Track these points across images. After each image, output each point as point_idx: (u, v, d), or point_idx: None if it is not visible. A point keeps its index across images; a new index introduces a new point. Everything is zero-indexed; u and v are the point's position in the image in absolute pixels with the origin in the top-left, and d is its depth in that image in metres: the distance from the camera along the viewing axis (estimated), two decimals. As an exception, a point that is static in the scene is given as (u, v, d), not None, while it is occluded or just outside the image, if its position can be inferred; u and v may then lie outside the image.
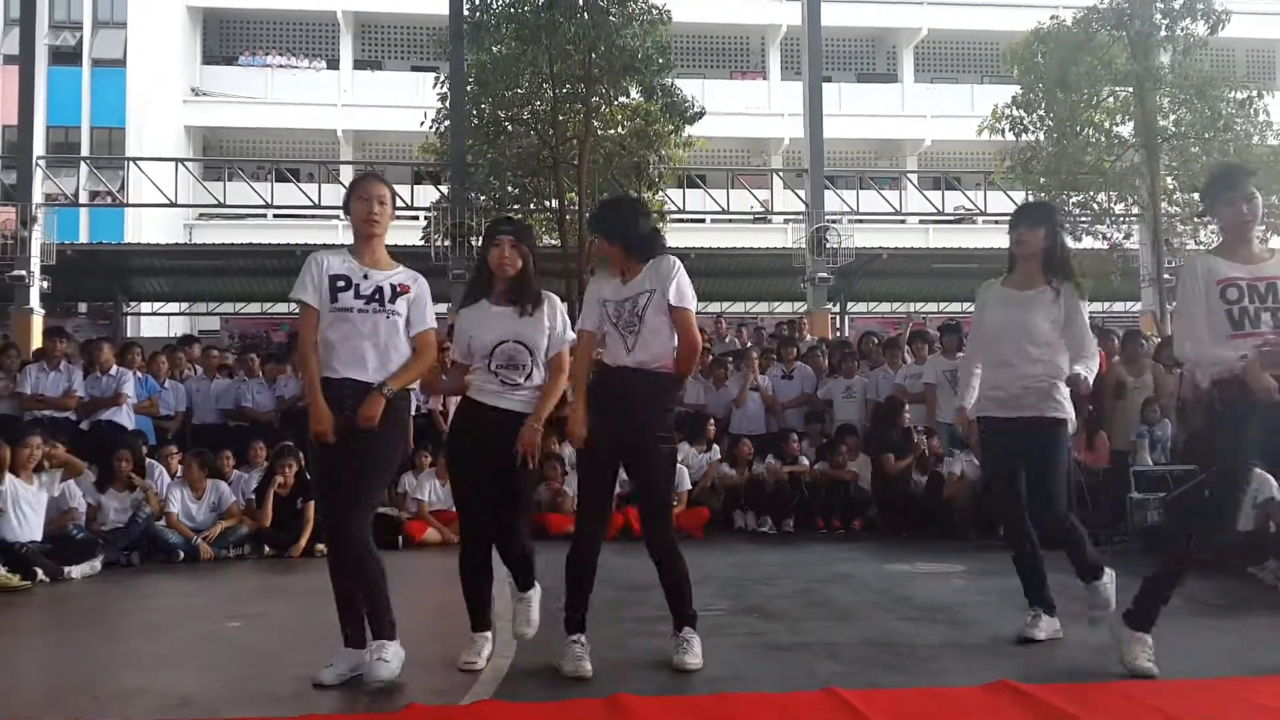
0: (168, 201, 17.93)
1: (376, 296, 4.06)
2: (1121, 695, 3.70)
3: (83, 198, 20.83)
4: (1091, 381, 4.45)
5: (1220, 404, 4.11)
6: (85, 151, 25.57)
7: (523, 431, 4.16)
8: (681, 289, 4.21)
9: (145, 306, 22.18)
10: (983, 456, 4.98)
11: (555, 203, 15.50)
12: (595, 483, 4.29)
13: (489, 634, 4.33)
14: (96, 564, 7.15)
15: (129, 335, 19.15)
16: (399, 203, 17.76)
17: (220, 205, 19.37)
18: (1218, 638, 4.67)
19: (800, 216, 18.11)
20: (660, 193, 16.77)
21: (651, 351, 4.17)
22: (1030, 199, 16.98)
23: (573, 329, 4.37)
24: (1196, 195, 15.07)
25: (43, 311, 16.03)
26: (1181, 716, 3.43)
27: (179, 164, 18.53)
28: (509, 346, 4.19)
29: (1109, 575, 4.55)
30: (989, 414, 4.64)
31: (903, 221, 24.00)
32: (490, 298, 4.27)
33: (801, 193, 18.17)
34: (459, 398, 4.40)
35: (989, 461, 4.84)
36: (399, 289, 4.10)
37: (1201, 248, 15.53)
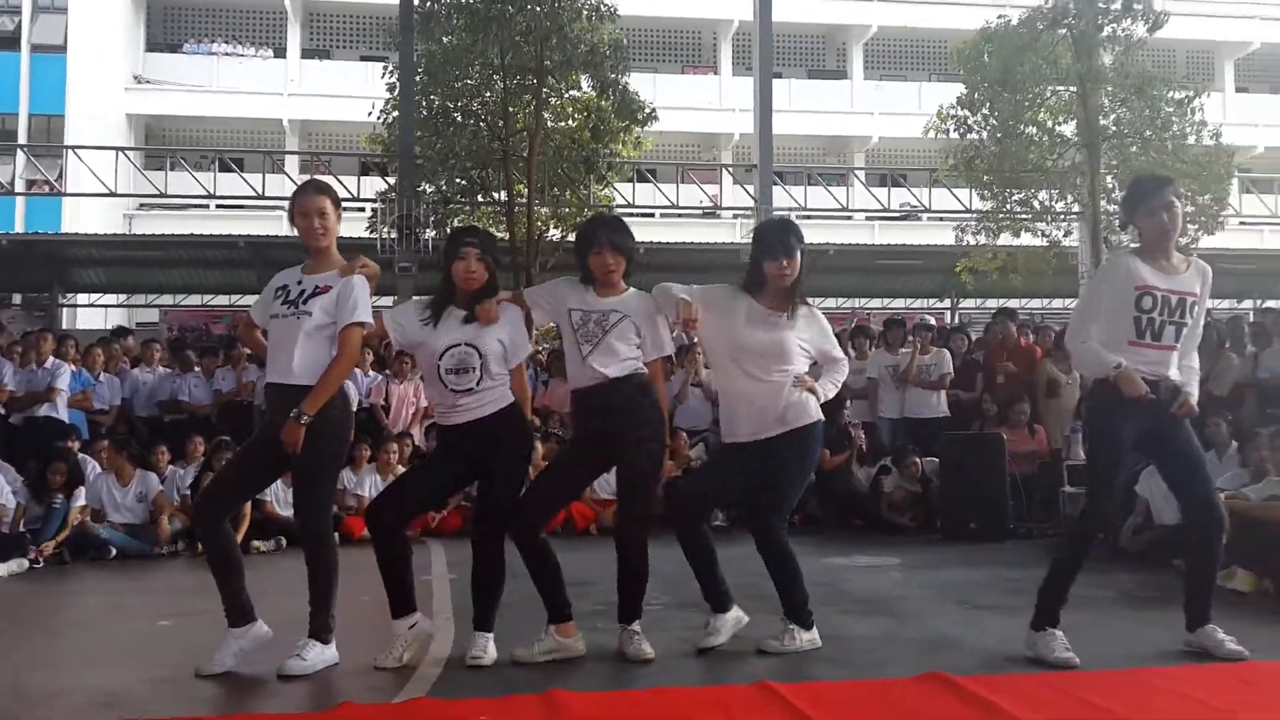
0: (107, 191, 17.56)
1: (297, 299, 4.14)
2: (1050, 686, 3.78)
3: (19, 186, 20.27)
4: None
5: (1096, 403, 4.30)
6: (23, 139, 24.94)
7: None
8: (666, 338, 4.42)
9: (82, 298, 21.71)
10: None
11: (504, 195, 15.43)
12: (566, 485, 4.47)
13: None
14: (24, 561, 7.02)
15: (65, 327, 18.76)
16: (347, 194, 17.39)
17: (161, 195, 18.98)
18: (1142, 629, 4.77)
19: (749, 212, 18.18)
20: (610, 187, 16.76)
21: (605, 362, 4.24)
22: (974, 197, 17.28)
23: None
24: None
25: (-22, 302, 15.66)
26: (1107, 705, 3.51)
27: (119, 153, 18.17)
28: (460, 351, 4.16)
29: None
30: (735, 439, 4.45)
31: (849, 218, 24.15)
32: (456, 306, 4.25)
33: (751, 188, 18.23)
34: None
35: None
36: (319, 289, 4.14)
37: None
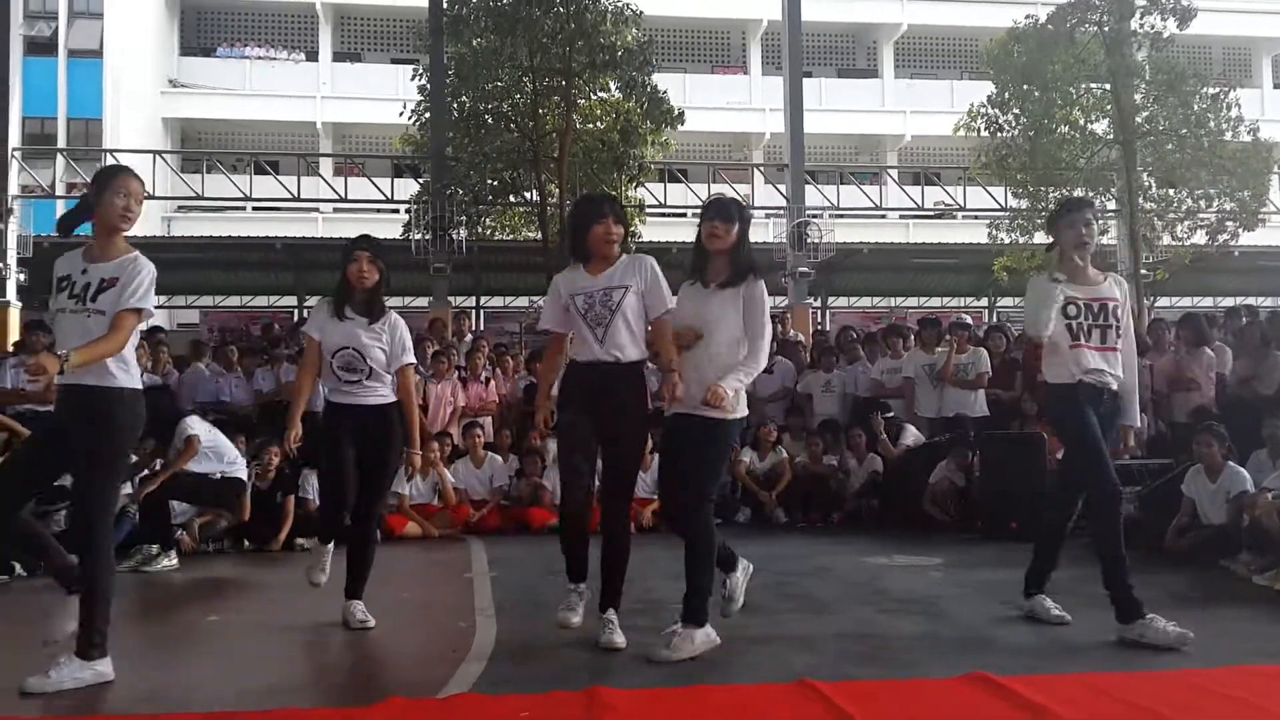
0: (146, 194, 17.77)
1: (82, 294, 3.91)
2: (1091, 687, 3.74)
3: (59, 190, 20.57)
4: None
5: (1063, 399, 4.70)
6: (62, 143, 25.31)
7: (411, 459, 5.27)
8: (668, 296, 4.38)
9: (123, 299, 22.01)
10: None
11: (536, 196, 15.50)
12: (574, 467, 4.33)
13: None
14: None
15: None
16: (380, 195, 17.52)
17: (198, 198, 19.22)
18: (1189, 629, 4.72)
19: (781, 211, 18.16)
20: (641, 187, 16.79)
21: (620, 344, 4.28)
22: (1009, 196, 17.18)
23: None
24: (1171, 191, 15.28)
25: (19, 305, 15.91)
26: (1150, 707, 3.47)
27: (156, 156, 18.38)
28: (348, 353, 4.82)
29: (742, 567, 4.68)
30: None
31: (883, 216, 24.09)
32: (350, 306, 4.88)
33: (782, 187, 18.21)
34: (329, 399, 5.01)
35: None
36: (106, 283, 3.90)
37: (1179, 243, 15.74)
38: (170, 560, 6.93)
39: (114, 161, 18.46)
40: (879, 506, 9.06)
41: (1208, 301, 20.90)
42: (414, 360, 5.13)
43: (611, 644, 4.28)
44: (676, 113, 15.22)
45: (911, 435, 9.26)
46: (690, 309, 4.41)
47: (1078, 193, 15.79)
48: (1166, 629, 4.30)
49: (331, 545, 5.09)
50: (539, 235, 15.42)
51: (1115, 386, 4.67)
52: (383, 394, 4.91)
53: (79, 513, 4.14)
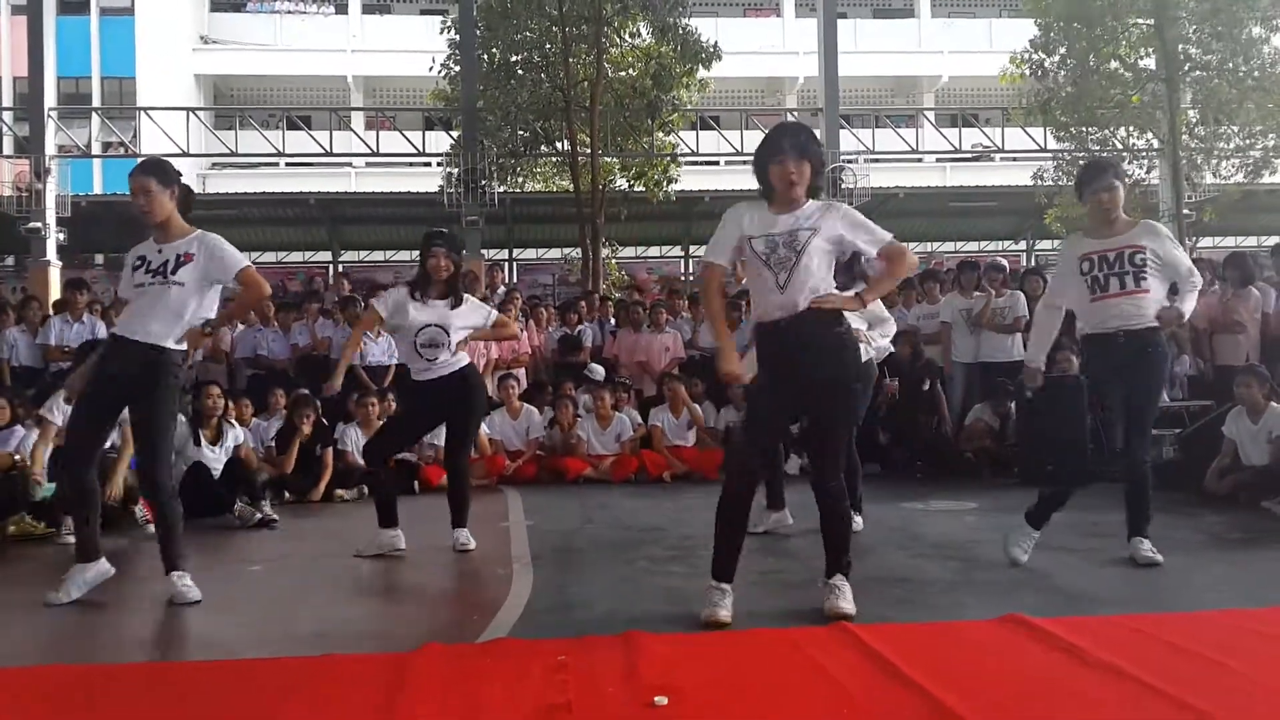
0: (180, 151, 17.86)
1: (161, 270, 4.55)
2: (1130, 628, 3.72)
3: (95, 149, 20.77)
4: None
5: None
6: (96, 102, 25.45)
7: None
8: (871, 229, 3.91)
9: (161, 257, 22.22)
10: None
11: (568, 146, 15.40)
12: (767, 434, 4.05)
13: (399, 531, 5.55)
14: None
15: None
16: (412, 149, 17.40)
17: (232, 155, 19.29)
18: (1229, 570, 4.68)
19: (815, 157, 17.94)
20: (673, 134, 16.63)
21: (801, 292, 3.82)
22: (1048, 137, 16.83)
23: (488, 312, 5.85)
24: (1220, 128, 14.86)
25: (59, 264, 16.10)
26: (1189, 648, 3.45)
27: (190, 113, 18.44)
28: (432, 330, 5.47)
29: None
30: None
31: (920, 160, 23.72)
32: (429, 292, 5.54)
33: (817, 132, 17.91)
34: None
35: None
36: (182, 259, 4.55)
37: (1222, 182, 15.39)
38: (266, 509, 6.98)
39: (148, 120, 18.62)
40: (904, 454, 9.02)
41: (1251, 241, 20.48)
42: (497, 315, 5.94)
43: (837, 611, 3.91)
44: (711, 50, 14.99)
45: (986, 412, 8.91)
46: None
47: (1121, 132, 15.47)
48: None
49: (399, 532, 5.50)
50: (571, 186, 15.35)
51: (1141, 325, 4.83)
52: (457, 363, 5.57)
53: (155, 465, 4.54)
